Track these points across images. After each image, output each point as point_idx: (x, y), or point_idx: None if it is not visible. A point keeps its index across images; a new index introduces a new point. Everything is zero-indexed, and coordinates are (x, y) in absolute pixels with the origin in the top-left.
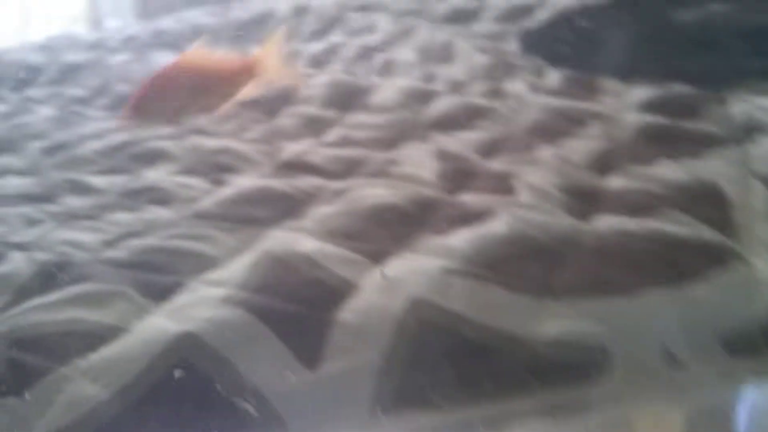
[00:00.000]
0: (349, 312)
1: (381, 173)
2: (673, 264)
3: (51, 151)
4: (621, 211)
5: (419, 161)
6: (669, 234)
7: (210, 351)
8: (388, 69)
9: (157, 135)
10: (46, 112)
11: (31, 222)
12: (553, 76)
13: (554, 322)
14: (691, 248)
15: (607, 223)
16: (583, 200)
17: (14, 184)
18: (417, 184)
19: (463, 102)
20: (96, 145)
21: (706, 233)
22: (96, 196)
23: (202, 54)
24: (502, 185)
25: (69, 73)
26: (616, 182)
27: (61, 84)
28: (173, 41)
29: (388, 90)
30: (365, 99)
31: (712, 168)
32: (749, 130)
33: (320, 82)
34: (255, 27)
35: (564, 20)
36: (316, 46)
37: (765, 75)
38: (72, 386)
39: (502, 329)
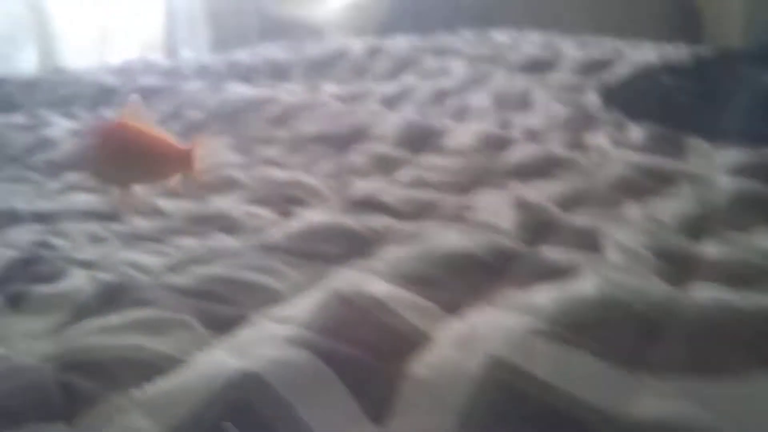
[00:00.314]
0: (421, 365)
1: (455, 218)
2: None
3: None
4: (719, 281)
5: (496, 209)
6: None
7: (272, 393)
8: (462, 113)
9: (228, 163)
10: None
11: (96, 240)
12: (636, 132)
13: (650, 401)
14: None
15: (706, 293)
16: (677, 265)
17: (83, 200)
18: (494, 233)
19: (542, 151)
20: None
21: None
22: (163, 218)
23: (139, 121)
24: (588, 241)
25: (143, 96)
26: (710, 248)
27: None
28: (246, 73)
29: (462, 133)
30: (439, 141)
31: None
32: None
33: (392, 121)
34: (328, 65)
35: (647, 76)
36: (389, 87)
37: None
38: (124, 418)
39: (591, 402)
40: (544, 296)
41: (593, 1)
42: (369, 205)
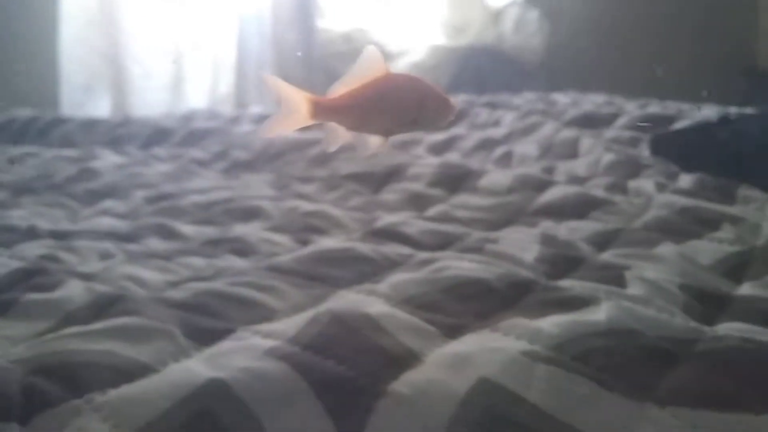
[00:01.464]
0: (404, 384)
1: (475, 250)
2: None
3: (153, 200)
4: (751, 320)
5: (520, 243)
6: None
7: (238, 403)
8: (506, 159)
9: (258, 195)
10: (163, 168)
11: (104, 256)
12: (685, 180)
13: (651, 431)
14: None
15: (732, 329)
16: (709, 303)
17: (107, 223)
18: (512, 264)
19: (579, 192)
20: (197, 198)
21: None
22: (180, 241)
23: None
24: (612, 276)
25: (195, 136)
26: (746, 290)
27: (185, 146)
28: None
29: (500, 175)
30: (475, 182)
31: None
32: None
33: (431, 162)
34: None
35: (702, 128)
36: (437, 136)
37: None
38: (80, 421)
39: (582, 429)
40: (550, 322)
41: (667, 68)
42: (389, 235)
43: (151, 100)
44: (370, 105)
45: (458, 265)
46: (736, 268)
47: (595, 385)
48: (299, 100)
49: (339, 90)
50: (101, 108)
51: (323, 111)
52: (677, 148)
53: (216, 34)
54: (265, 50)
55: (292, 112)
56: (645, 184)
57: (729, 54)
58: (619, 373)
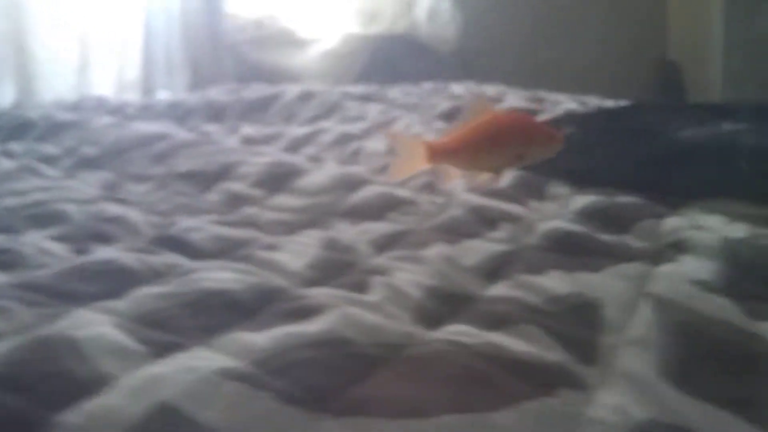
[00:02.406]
0: (79, 414)
1: (245, 258)
2: (489, 385)
3: None
4: (479, 321)
5: (300, 249)
6: (505, 351)
7: None
8: (355, 156)
9: (74, 197)
10: (7, 165)
11: None
12: (506, 177)
13: None
14: (524, 370)
15: (451, 332)
16: (448, 306)
17: None
18: (274, 272)
19: (385, 193)
20: (11, 201)
21: (554, 355)
22: None
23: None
24: (357, 281)
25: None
26: (497, 290)
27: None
28: (183, 114)
29: (319, 174)
30: (297, 182)
31: (606, 284)
32: (671, 248)
33: (262, 161)
34: (261, 108)
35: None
36: (302, 130)
37: (735, 191)
38: None
39: None
40: (268, 336)
41: (579, 59)
42: (172, 242)
43: (56, 85)
44: (479, 146)
45: (214, 276)
46: (497, 268)
47: (276, 401)
48: (417, 146)
49: (452, 134)
50: (5, 93)
51: (439, 155)
52: None
53: (123, 18)
54: (173, 35)
55: (412, 157)
56: (459, 181)
57: (640, 46)
58: (308, 385)
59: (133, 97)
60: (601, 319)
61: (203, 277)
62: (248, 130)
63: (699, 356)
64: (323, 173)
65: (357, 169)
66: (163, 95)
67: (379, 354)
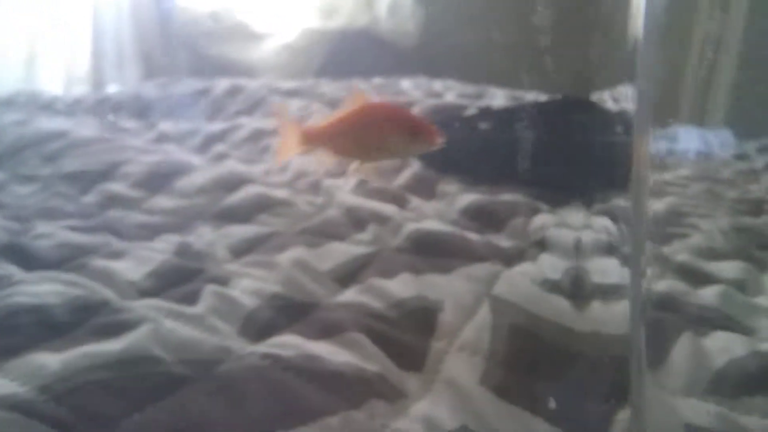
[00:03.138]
0: None
1: (83, 267)
2: (293, 401)
3: None
4: (310, 332)
5: (149, 256)
6: (321, 363)
7: None
8: (263, 153)
9: None
10: None
11: None
12: (405, 174)
13: None
14: (335, 382)
15: (270, 343)
16: (286, 315)
17: None
18: (105, 283)
19: (260, 193)
20: None
21: (374, 365)
22: None
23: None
24: (193, 292)
25: None
26: (346, 296)
27: None
28: (107, 110)
29: (200, 174)
30: (178, 182)
31: (452, 286)
32: (536, 246)
33: (149, 159)
34: (190, 102)
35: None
36: (218, 126)
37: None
38: None
39: None
40: (61, 358)
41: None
42: (16, 250)
43: (3, 79)
44: (346, 133)
45: (34, 290)
46: (353, 272)
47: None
48: (293, 130)
49: (327, 121)
50: None
51: (311, 139)
52: None
53: (71, 9)
54: (123, 28)
55: (290, 140)
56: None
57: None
58: (90, 412)
59: (82, 91)
60: (437, 325)
61: (20, 291)
62: (166, 126)
63: (522, 360)
64: (205, 173)
65: (242, 169)
66: (112, 89)
67: (185, 373)
